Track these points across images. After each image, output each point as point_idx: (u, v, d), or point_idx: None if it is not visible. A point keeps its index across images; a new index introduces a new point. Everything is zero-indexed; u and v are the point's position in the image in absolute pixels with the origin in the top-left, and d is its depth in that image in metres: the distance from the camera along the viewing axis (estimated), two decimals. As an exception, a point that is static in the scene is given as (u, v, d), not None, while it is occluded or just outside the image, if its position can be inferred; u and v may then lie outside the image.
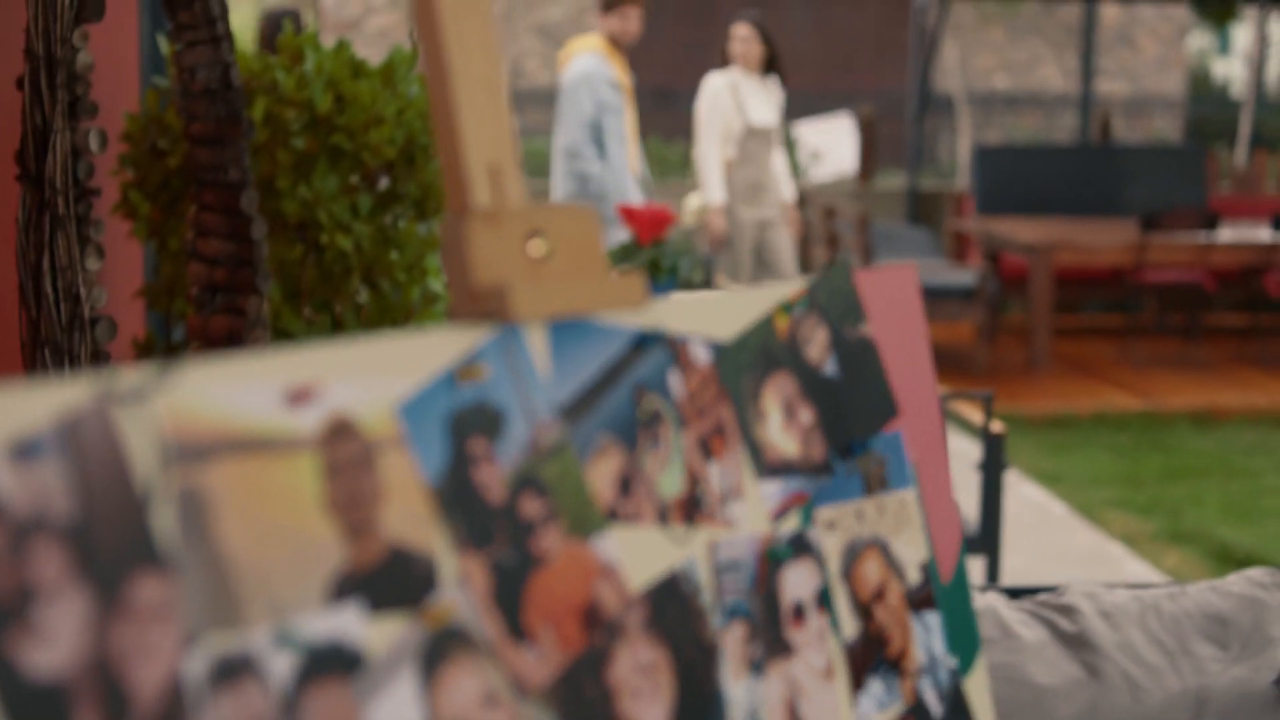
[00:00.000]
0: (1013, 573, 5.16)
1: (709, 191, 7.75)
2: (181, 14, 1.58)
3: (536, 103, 13.56)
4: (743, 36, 7.85)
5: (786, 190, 8.06)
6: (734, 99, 7.77)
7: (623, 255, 4.23)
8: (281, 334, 1.91)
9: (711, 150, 7.77)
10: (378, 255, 2.01)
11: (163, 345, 1.90)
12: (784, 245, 7.99)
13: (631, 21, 7.30)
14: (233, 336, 1.66)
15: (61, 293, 1.46)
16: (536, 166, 11.51)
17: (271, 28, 6.92)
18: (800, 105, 13.49)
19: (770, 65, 7.91)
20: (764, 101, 7.87)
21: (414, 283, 2.07)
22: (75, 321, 1.45)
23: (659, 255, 4.44)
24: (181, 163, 1.79)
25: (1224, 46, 34.27)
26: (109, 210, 1.79)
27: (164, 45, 1.79)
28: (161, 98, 1.84)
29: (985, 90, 15.44)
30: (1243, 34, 19.75)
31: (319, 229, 1.91)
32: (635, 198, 7.03)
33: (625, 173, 7.25)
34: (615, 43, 7.37)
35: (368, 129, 1.93)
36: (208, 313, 1.65)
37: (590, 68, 7.25)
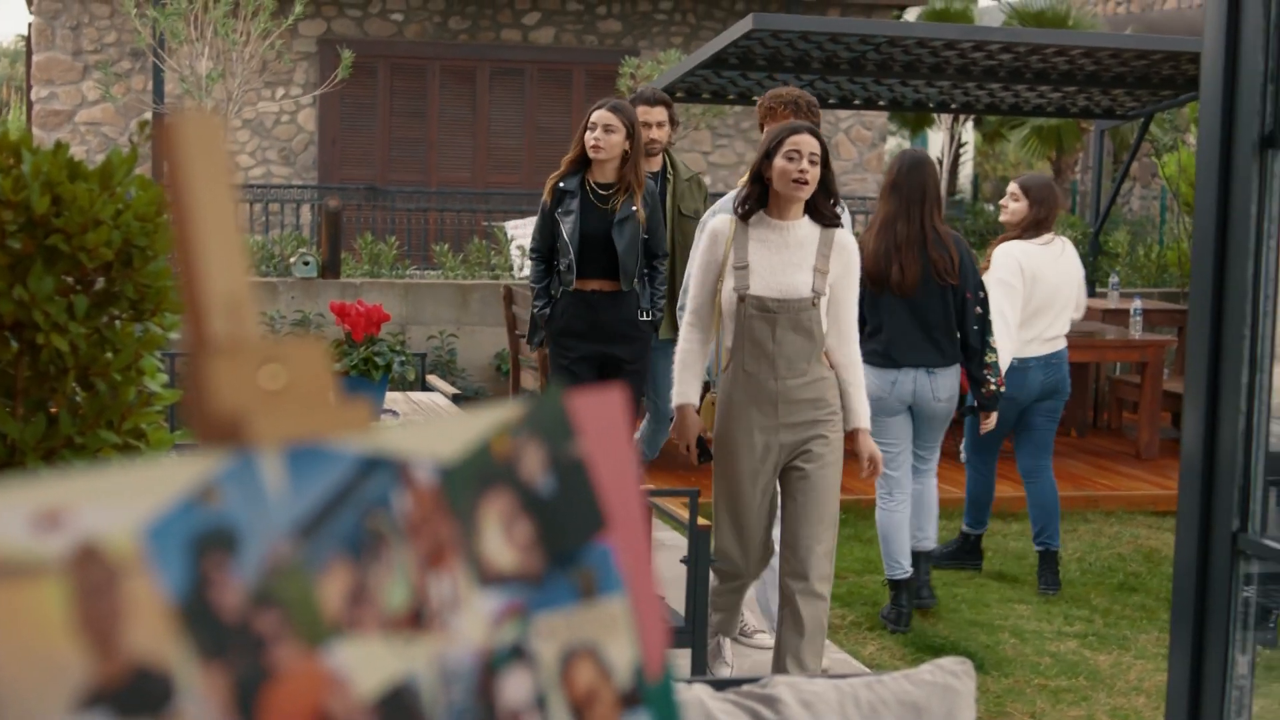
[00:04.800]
0: (720, 663, 5.27)
1: (677, 385, 4.77)
2: (-102, 117, 1.57)
3: (250, 197, 13.45)
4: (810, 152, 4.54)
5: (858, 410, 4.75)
6: (730, 250, 4.63)
7: (338, 353, 4.24)
8: (-7, 435, 1.89)
9: (688, 328, 4.76)
10: (94, 355, 2.00)
11: None
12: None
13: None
14: (-56, 440, 1.65)
15: None
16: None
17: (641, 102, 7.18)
18: (509, 203, 13.83)
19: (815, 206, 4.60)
20: (789, 260, 4.59)
21: (130, 383, 2.06)
22: None
23: (373, 353, 4.46)
24: (-108, 263, 1.77)
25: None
26: None
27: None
28: None
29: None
30: (936, 138, 20.71)
31: (34, 329, 1.91)
32: None
33: None
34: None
35: (85, 230, 1.93)
36: (-82, 416, 1.64)
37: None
